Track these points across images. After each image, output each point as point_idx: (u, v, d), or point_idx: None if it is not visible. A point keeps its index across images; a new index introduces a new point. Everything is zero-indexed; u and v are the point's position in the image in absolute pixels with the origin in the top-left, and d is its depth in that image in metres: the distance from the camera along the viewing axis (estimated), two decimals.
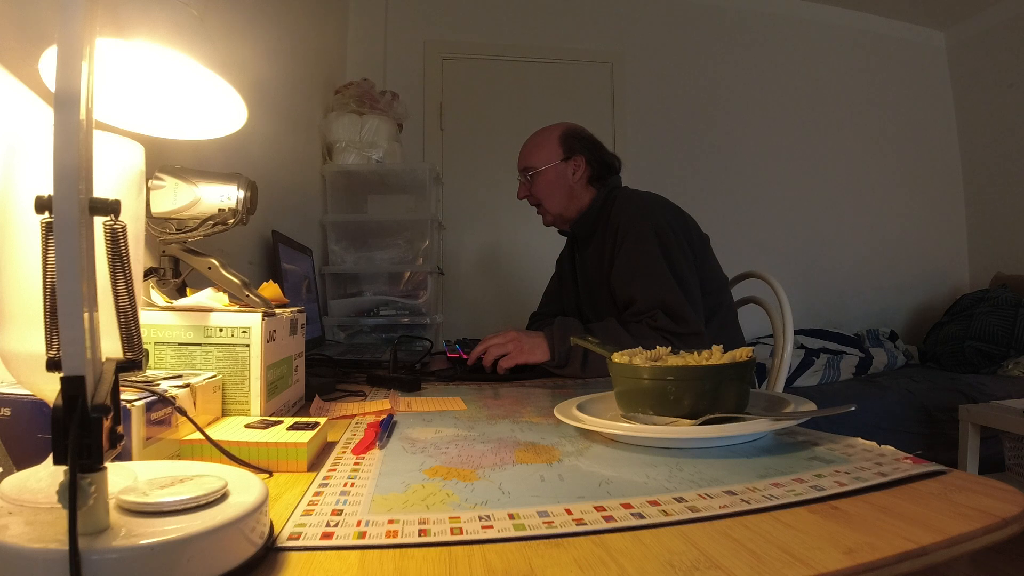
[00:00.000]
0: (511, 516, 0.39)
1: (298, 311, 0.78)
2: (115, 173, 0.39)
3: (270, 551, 0.34)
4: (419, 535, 0.36)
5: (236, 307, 0.66)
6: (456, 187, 2.74)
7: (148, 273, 0.72)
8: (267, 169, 1.44)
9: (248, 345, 0.62)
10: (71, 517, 0.25)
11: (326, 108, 2.10)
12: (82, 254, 0.28)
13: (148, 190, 0.68)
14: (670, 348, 0.71)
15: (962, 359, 2.62)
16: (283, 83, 1.66)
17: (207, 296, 0.66)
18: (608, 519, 0.38)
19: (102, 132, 0.37)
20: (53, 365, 0.29)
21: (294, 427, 0.56)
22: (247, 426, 0.56)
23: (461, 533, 0.37)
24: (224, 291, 0.69)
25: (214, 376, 0.59)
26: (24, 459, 0.42)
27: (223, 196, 0.71)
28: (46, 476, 0.33)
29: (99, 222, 0.31)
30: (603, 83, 2.94)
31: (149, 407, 0.46)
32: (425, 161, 2.50)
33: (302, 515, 0.40)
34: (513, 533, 0.37)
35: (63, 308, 0.27)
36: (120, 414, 0.33)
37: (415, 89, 2.70)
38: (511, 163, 1.44)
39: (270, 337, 0.65)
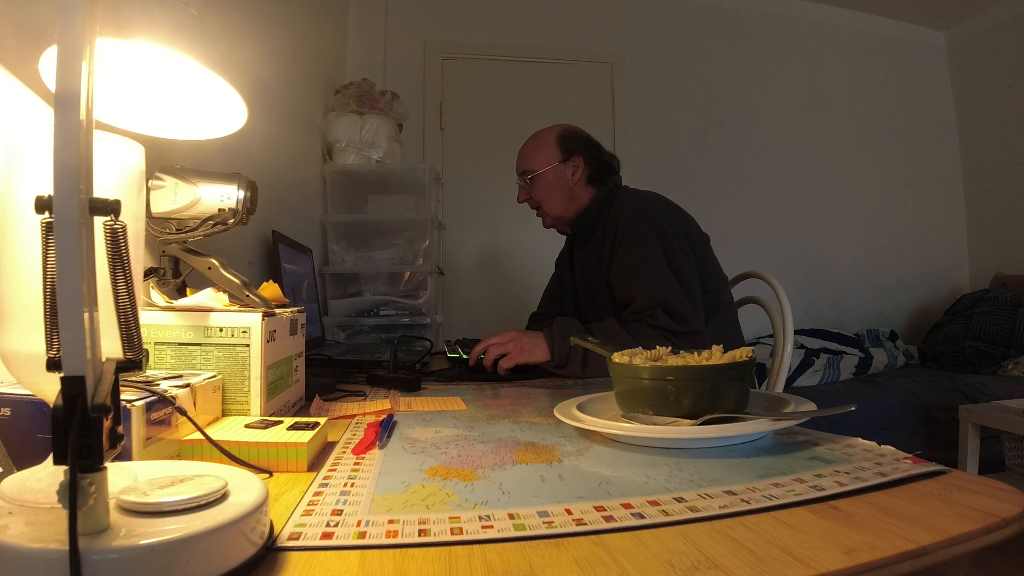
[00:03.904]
0: (511, 516, 0.39)
1: (298, 311, 0.78)
2: (115, 173, 0.39)
3: (270, 551, 0.34)
4: (419, 535, 0.36)
5: (236, 307, 0.66)
6: (456, 187, 2.75)
7: (148, 273, 0.72)
8: (267, 169, 1.44)
9: (248, 345, 0.62)
10: (71, 517, 0.25)
11: (326, 108, 2.10)
12: (82, 254, 0.28)
13: (148, 190, 0.68)
14: (670, 348, 0.71)
15: (962, 359, 2.62)
16: (283, 83, 1.66)
17: (207, 296, 0.66)
18: (608, 519, 0.38)
19: (102, 132, 0.37)
20: (53, 365, 0.29)
21: (294, 427, 0.56)
22: (247, 426, 0.56)
23: (461, 533, 0.37)
24: (224, 291, 0.69)
25: (214, 376, 0.59)
26: (24, 459, 0.42)
27: (223, 196, 0.71)
28: (46, 476, 0.33)
29: (99, 222, 0.31)
30: (603, 83, 2.94)
31: (149, 407, 0.46)
32: (425, 161, 2.50)
33: (302, 515, 0.40)
34: (513, 533, 0.37)
35: (63, 308, 0.27)
36: (120, 414, 0.33)
37: (415, 89, 2.70)
38: (511, 163, 1.44)
39: (270, 337, 0.65)
